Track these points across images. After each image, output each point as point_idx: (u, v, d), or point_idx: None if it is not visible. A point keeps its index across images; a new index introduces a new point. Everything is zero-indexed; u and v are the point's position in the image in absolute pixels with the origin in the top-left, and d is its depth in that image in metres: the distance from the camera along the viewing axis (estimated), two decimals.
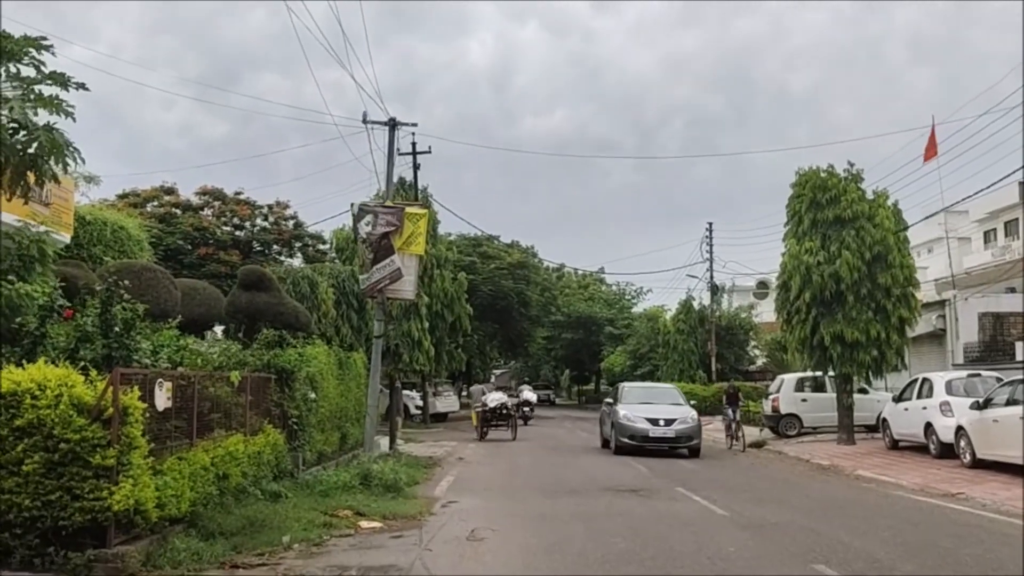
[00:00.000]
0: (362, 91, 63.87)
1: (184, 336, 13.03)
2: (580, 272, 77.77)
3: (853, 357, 25.22)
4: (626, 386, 28.07)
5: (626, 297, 79.66)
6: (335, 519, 11.78)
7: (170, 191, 37.61)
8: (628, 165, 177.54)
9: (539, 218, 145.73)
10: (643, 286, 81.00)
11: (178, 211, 36.80)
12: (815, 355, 26.20)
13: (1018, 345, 28.15)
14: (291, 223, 39.72)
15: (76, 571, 7.88)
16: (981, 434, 18.57)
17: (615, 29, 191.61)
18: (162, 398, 9.33)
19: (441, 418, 42.75)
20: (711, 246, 49.35)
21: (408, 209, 19.19)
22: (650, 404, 24.57)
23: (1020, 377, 18.37)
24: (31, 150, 8.64)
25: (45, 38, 8.82)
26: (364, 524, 11.69)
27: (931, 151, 28.24)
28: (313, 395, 15.97)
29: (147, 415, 8.73)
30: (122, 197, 35.74)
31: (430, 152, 33.41)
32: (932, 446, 21.48)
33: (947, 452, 20.37)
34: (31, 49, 8.72)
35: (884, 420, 25.16)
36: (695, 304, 50.76)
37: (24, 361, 8.72)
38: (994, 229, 47.18)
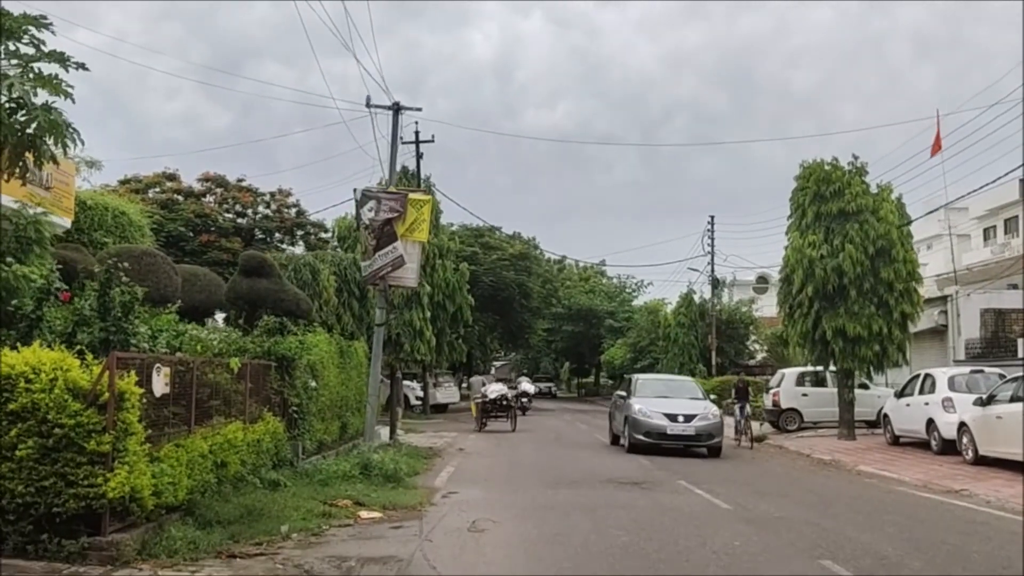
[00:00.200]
0: (364, 72, 63.81)
1: (184, 322, 12.91)
2: (581, 264, 77.69)
3: (855, 352, 25.10)
4: (640, 378, 25.39)
5: (627, 290, 79.50)
6: (334, 509, 11.65)
7: (172, 177, 37.42)
8: (630, 160, 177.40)
9: (541, 210, 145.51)
10: (644, 279, 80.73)
11: (180, 197, 36.61)
12: (817, 349, 26.08)
13: (1020, 342, 28.02)
14: (293, 211, 39.56)
15: (70, 559, 7.75)
16: (984, 431, 18.44)
17: (619, 23, 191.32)
18: (160, 384, 9.18)
19: (441, 409, 42.69)
20: (712, 239, 49.21)
21: (412, 195, 18.99)
22: (667, 398, 22.64)
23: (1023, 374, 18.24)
24: (30, 130, 8.48)
25: (45, 16, 8.65)
26: (364, 514, 11.56)
27: (936, 146, 28.06)
28: (314, 383, 15.85)
29: (144, 401, 8.58)
30: (124, 183, 35.56)
31: (433, 141, 33.09)
32: (934, 442, 21.37)
33: (949, 448, 20.24)
34: (30, 27, 8.55)
35: (885, 416, 25.03)
36: (696, 298, 50.64)
37: (19, 344, 8.56)
38: (994, 226, 47.01)
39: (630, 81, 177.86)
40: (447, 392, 44.78)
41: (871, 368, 26.07)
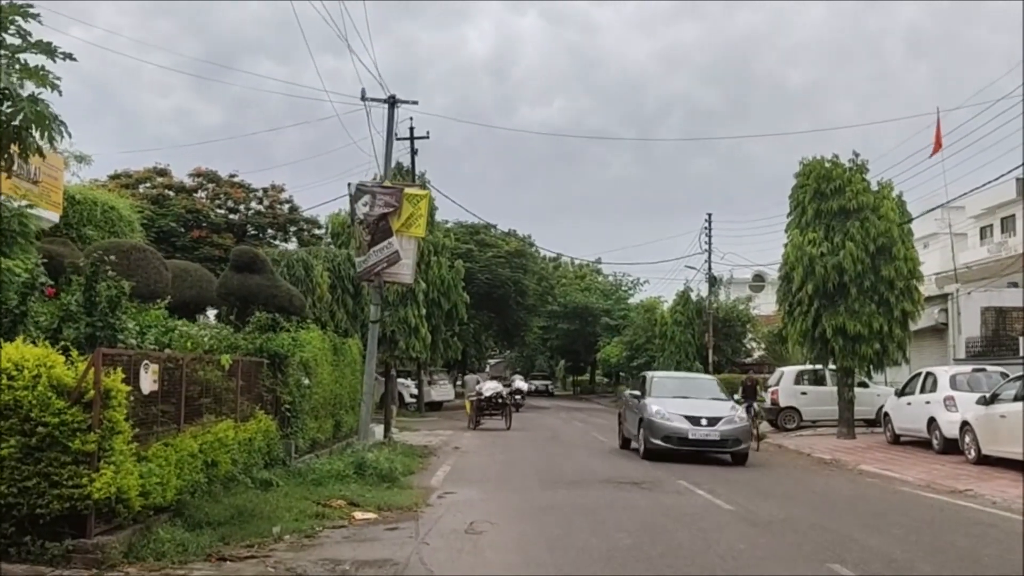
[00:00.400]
0: (359, 65, 63.45)
1: (174, 318, 12.63)
2: (577, 262, 77.44)
3: (855, 350, 24.89)
4: (656, 376, 22.86)
5: (622, 288, 79.27)
6: (328, 509, 11.38)
7: (163, 172, 37.01)
8: (626, 157, 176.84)
9: (536, 208, 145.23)
10: (640, 277, 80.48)
11: (171, 193, 36.20)
12: (816, 348, 25.88)
13: (1022, 340, 27.81)
14: (286, 207, 39.19)
15: (53, 561, 7.50)
16: (987, 430, 18.23)
17: (614, 20, 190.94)
18: (148, 381, 8.91)
19: (436, 407, 42.57)
20: (710, 237, 48.93)
21: (408, 190, 18.66)
22: (686, 399, 20.28)
23: None
24: (15, 122, 8.22)
25: (31, 6, 8.38)
26: (358, 515, 11.30)
27: (937, 144, 27.84)
28: (307, 381, 15.56)
29: (131, 399, 8.33)
30: (114, 178, 35.12)
31: (428, 137, 32.75)
32: (935, 441, 21.18)
33: (951, 448, 20.06)
34: (16, 17, 8.28)
35: (886, 414, 24.84)
36: (693, 296, 50.40)
37: (2, 340, 8.28)
38: (991, 225, 46.93)
39: (625, 78, 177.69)
40: (442, 390, 44.66)
41: (871, 366, 25.90)
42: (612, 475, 16.69)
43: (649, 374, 23.45)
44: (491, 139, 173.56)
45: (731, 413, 19.79)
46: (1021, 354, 26.71)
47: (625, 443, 22.42)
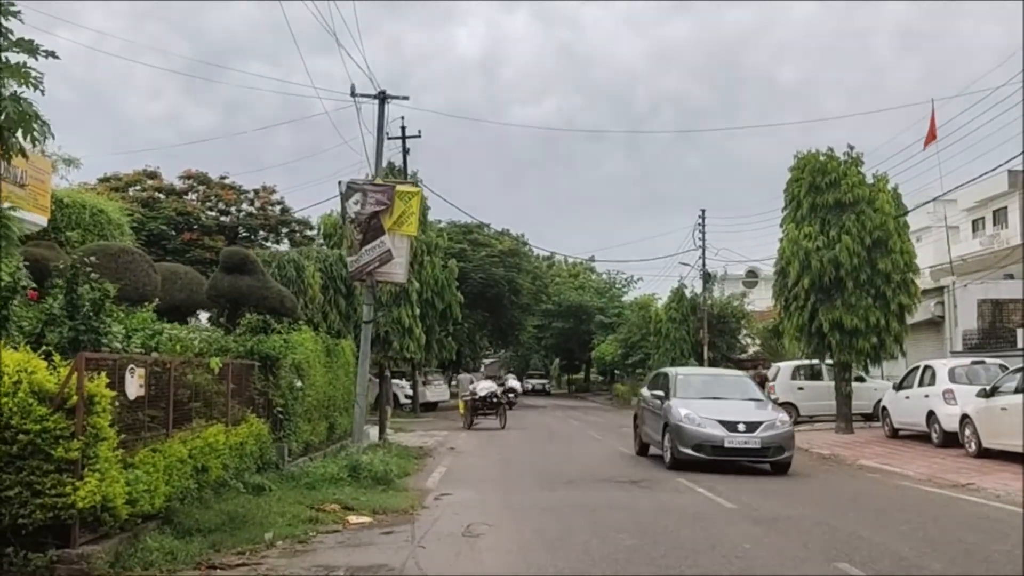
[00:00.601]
0: (348, 59, 63.04)
1: (163, 321, 12.39)
2: (570, 260, 77.27)
3: (852, 344, 24.72)
4: (680, 373, 19.95)
5: (616, 286, 79.15)
6: (322, 514, 11.13)
7: (153, 175, 36.73)
8: (618, 155, 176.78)
9: (529, 207, 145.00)
10: (633, 274, 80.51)
11: (161, 196, 35.92)
12: (813, 342, 25.69)
13: (1019, 332, 27.67)
14: (278, 208, 38.92)
15: (37, 573, 7.26)
16: (988, 423, 18.04)
17: (604, 19, 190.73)
18: (133, 385, 8.66)
19: (431, 407, 42.44)
20: (703, 233, 48.76)
21: (399, 187, 18.40)
22: (719, 400, 17.88)
23: None
24: None
25: (13, 4, 8.13)
26: (352, 519, 11.06)
27: (930, 136, 27.67)
28: (299, 383, 15.34)
29: (117, 404, 8.08)
30: (103, 181, 34.83)
31: (420, 136, 32.58)
32: (934, 435, 21.01)
33: (950, 441, 19.89)
34: None
35: (884, 408, 24.68)
36: (687, 292, 50.23)
37: None
38: (983, 218, 46.78)
39: (616, 75, 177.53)
40: (437, 390, 44.52)
41: (868, 361, 25.73)
42: (611, 473, 16.48)
43: (672, 371, 20.48)
44: (483, 139, 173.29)
45: (772, 416, 17.23)
46: (1019, 346, 26.57)
47: (643, 449, 19.91)
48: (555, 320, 70.05)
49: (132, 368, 8.66)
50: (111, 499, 7.65)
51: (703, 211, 48.67)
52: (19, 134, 8.19)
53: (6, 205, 10.18)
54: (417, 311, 29.99)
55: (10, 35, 8.09)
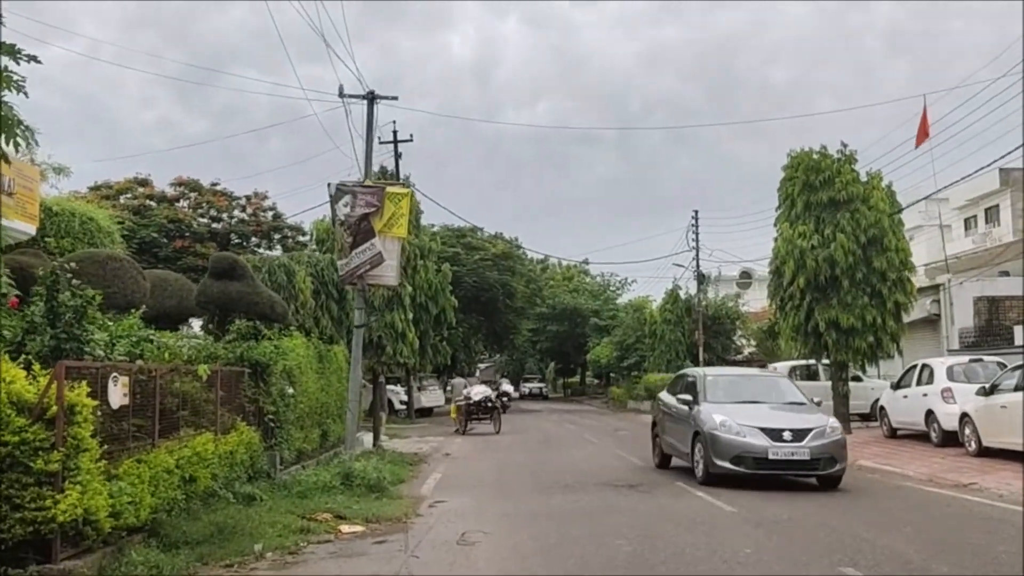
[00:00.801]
0: (338, 62, 62.58)
1: (151, 328, 12.14)
2: (564, 263, 77.10)
3: (848, 343, 24.59)
4: (708, 374, 17.47)
5: (611, 288, 79.01)
6: (313, 523, 10.90)
7: (144, 183, 36.45)
8: (611, 157, 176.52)
9: (523, 210, 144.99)
10: (627, 277, 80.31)
11: (152, 203, 35.68)
12: (809, 342, 25.54)
13: (1017, 329, 27.51)
14: (270, 214, 38.69)
15: None
16: (988, 421, 17.86)
17: (596, 22, 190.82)
18: (117, 394, 8.43)
19: (426, 413, 42.25)
20: (697, 234, 48.56)
21: (389, 189, 18.13)
22: (756, 404, 15.64)
23: None
24: None
25: None
26: (345, 528, 10.83)
27: (922, 133, 27.51)
28: (291, 390, 15.10)
29: (99, 414, 7.86)
30: (94, 189, 34.58)
31: (412, 140, 32.45)
32: (933, 434, 20.82)
33: (950, 440, 19.70)
34: None
35: (881, 408, 24.48)
36: (681, 294, 50.04)
37: None
38: (974, 216, 46.70)
39: (609, 78, 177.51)
40: (432, 395, 44.31)
41: (865, 360, 25.56)
42: (608, 478, 16.24)
43: (699, 371, 18.23)
44: (476, 143, 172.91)
45: (821, 422, 14.88)
46: (1017, 343, 26.41)
47: (664, 461, 17.72)
48: (550, 323, 69.84)
49: (115, 376, 8.43)
50: (93, 512, 7.44)
51: (696, 212, 48.47)
52: (2, 139, 8.00)
53: None
54: (411, 315, 29.69)
55: None
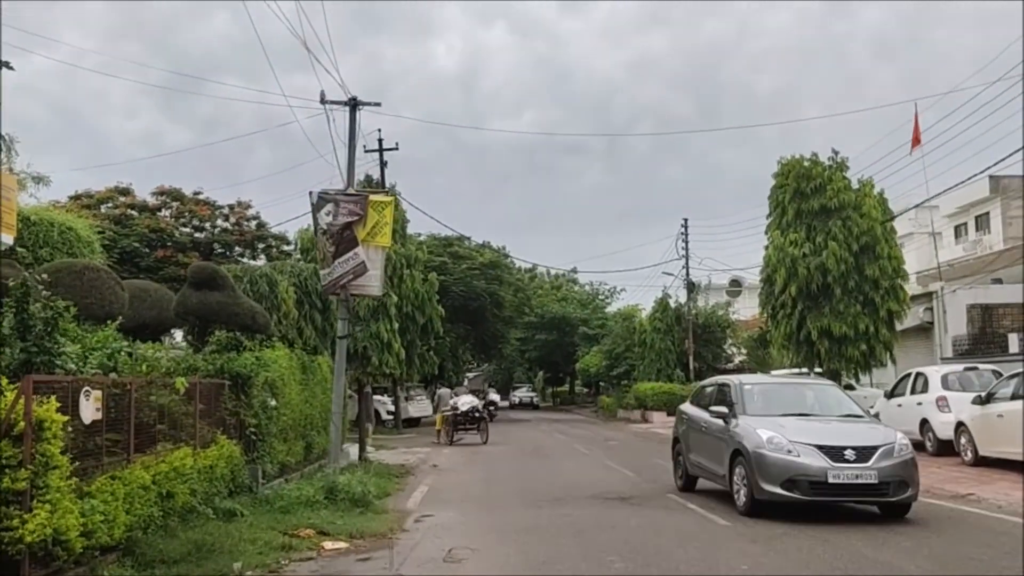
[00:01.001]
0: (320, 70, 62.22)
1: (129, 340, 11.80)
2: (553, 272, 76.88)
3: (841, 352, 24.44)
4: (746, 383, 14.67)
5: (600, 297, 78.77)
6: (296, 540, 10.56)
7: (125, 192, 36.06)
8: (598, 166, 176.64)
9: (510, 220, 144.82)
10: (616, 285, 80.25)
11: (134, 212, 35.30)
12: (801, 351, 25.39)
13: (1011, 337, 27.34)
14: (253, 224, 38.32)
15: None
16: (984, 430, 17.66)
17: (582, 31, 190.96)
18: (89, 409, 8.09)
19: (414, 423, 41.95)
20: (687, 243, 48.46)
21: (372, 197, 17.78)
22: (807, 418, 13.23)
23: None
24: None
25: None
26: (328, 545, 10.48)
27: (915, 140, 27.42)
28: (273, 402, 14.74)
29: (70, 429, 7.52)
30: (75, 198, 34.16)
31: (397, 148, 32.14)
32: (928, 444, 20.58)
33: (945, 450, 19.50)
34: None
35: (875, 417, 24.20)
36: (671, 302, 49.87)
37: None
38: (964, 223, 46.71)
39: (595, 87, 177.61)
40: (419, 405, 43.97)
41: (858, 368, 25.40)
42: (598, 490, 15.91)
43: (735, 379, 15.12)
44: (462, 152, 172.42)
45: (889, 439, 12.44)
46: (1012, 351, 26.22)
47: (689, 483, 15.46)
48: (538, 332, 69.53)
49: (87, 391, 8.10)
50: (64, 531, 7.12)
51: (685, 220, 48.38)
52: None
53: None
54: (396, 325, 29.47)
55: None
